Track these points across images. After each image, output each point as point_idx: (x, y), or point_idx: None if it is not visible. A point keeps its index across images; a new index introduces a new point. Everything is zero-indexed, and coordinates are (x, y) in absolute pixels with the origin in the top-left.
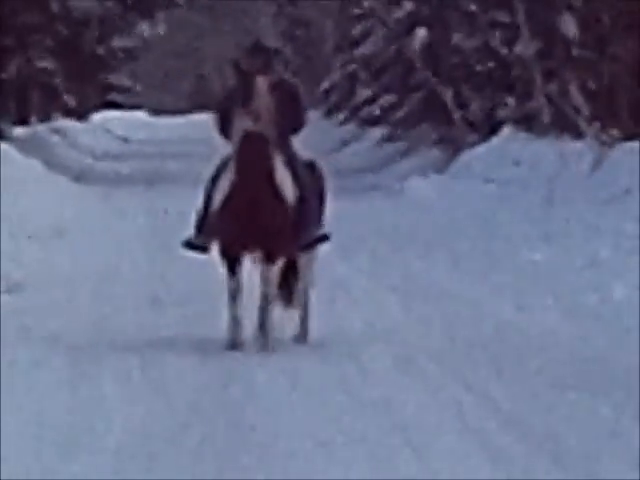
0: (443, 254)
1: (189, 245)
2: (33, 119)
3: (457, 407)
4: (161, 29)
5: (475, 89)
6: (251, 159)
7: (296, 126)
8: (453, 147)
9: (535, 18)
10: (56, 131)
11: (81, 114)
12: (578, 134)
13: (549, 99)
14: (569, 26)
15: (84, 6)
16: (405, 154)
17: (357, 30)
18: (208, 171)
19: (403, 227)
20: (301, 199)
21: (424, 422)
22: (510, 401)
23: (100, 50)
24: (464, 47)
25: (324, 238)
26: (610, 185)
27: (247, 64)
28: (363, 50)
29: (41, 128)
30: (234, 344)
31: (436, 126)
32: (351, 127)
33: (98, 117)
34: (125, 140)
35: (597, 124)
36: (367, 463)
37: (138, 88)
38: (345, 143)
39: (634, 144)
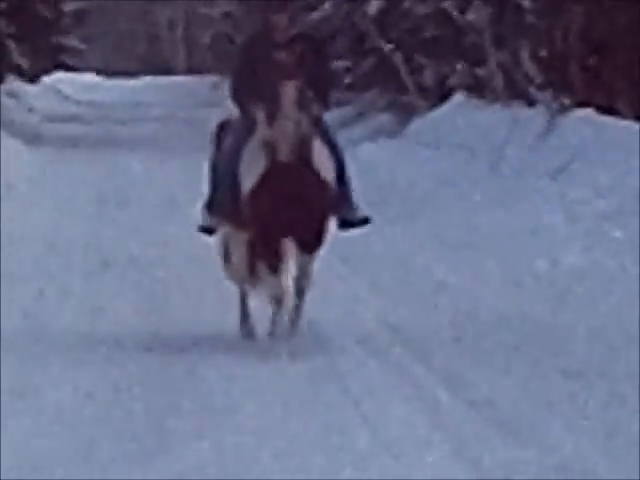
0: (393, 219)
1: (202, 229)
2: None
3: (405, 373)
4: None
5: (427, 55)
6: (285, 142)
7: (325, 89)
8: (404, 113)
9: None
10: (7, 93)
11: (33, 76)
12: (529, 101)
13: (501, 66)
14: None
15: None
16: (356, 119)
17: None
18: (160, 134)
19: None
20: (339, 177)
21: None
22: (456, 365)
23: (52, 12)
24: (416, 13)
25: (366, 221)
26: (560, 152)
27: (263, 9)
28: (315, 16)
29: None
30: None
31: (387, 92)
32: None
33: (49, 79)
34: (73, 101)
35: (548, 91)
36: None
37: (90, 50)
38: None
39: (585, 111)
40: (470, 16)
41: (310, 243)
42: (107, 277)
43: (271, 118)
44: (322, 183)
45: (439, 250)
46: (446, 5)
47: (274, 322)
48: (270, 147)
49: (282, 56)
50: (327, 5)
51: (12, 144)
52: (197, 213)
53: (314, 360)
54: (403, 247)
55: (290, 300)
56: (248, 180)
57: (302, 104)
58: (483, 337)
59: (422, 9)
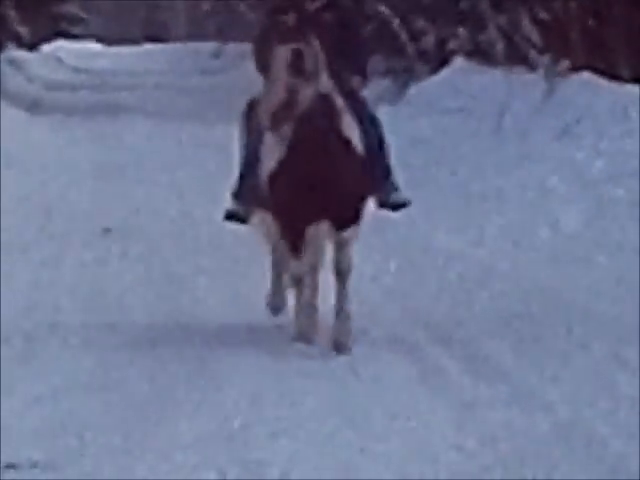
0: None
1: (230, 216)
2: None
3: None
4: None
5: (427, 20)
6: (310, 115)
7: (357, 61)
8: (405, 78)
9: None
10: (8, 61)
11: (33, 45)
12: (530, 66)
13: (501, 31)
14: None
15: None
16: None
17: None
18: (159, 102)
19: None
20: (371, 152)
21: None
22: (456, 328)
23: None
24: None
25: (407, 203)
26: (561, 116)
27: None
28: None
29: None
30: (307, 336)
31: (387, 57)
32: None
33: (50, 47)
34: (74, 69)
35: (549, 55)
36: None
37: (90, 18)
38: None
39: (585, 75)
40: None
41: (342, 221)
42: (106, 243)
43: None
44: (354, 158)
45: (441, 215)
46: None
47: (298, 305)
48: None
49: (289, 20)
50: None
51: (12, 112)
52: (190, 177)
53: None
54: (406, 212)
55: (311, 283)
56: (267, 163)
57: (299, 68)
58: (487, 300)
59: None
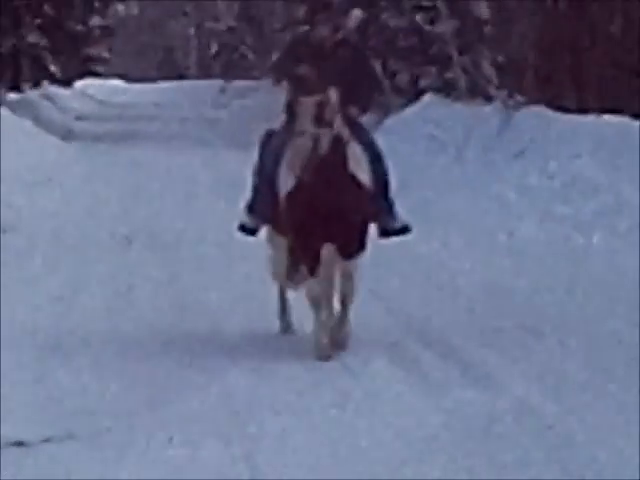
0: None
1: (242, 228)
2: (25, 86)
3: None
4: (133, 9)
5: (402, 61)
6: (306, 161)
7: (366, 94)
8: (383, 110)
9: (452, 1)
10: (44, 96)
11: (65, 82)
12: (488, 99)
13: (464, 70)
14: (481, 8)
15: None
16: None
17: (301, 10)
18: (173, 130)
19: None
20: (377, 184)
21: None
22: (430, 324)
23: (81, 27)
24: (393, 25)
25: (406, 230)
26: (515, 142)
27: (310, 21)
28: (305, 27)
29: (32, 93)
30: (325, 354)
31: None
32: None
33: (80, 84)
34: (101, 103)
35: (504, 91)
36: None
37: (114, 59)
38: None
39: (536, 107)
40: (438, 28)
41: (349, 249)
42: (130, 251)
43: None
44: (359, 190)
45: (417, 226)
46: (417, 18)
47: (317, 325)
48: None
49: (307, 70)
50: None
51: (48, 139)
52: (199, 193)
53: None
54: None
55: (327, 303)
56: (284, 187)
57: (321, 119)
58: (453, 296)
59: (397, 22)
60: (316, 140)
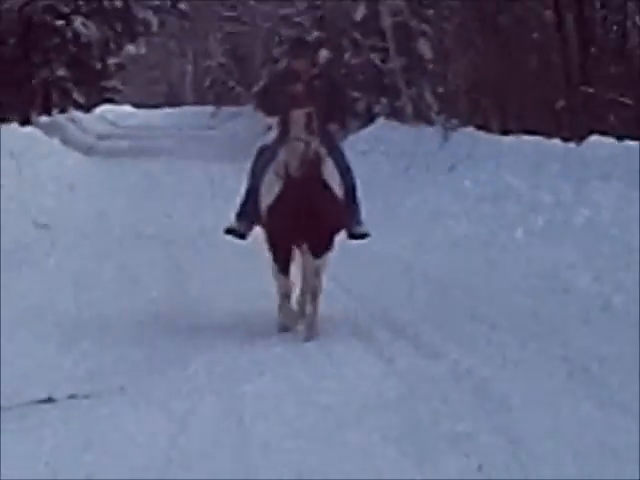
0: None
1: (229, 231)
2: (54, 111)
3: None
4: (142, 49)
5: (360, 91)
6: (300, 162)
7: (339, 116)
8: (343, 132)
9: (401, 43)
10: (70, 119)
11: (87, 107)
12: (430, 123)
13: (410, 99)
14: (424, 49)
15: (88, 33)
16: None
17: (278, 51)
18: (174, 147)
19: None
20: (347, 194)
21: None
22: (392, 307)
23: (99, 64)
24: (353, 63)
25: (367, 235)
26: (451, 157)
27: (291, 56)
28: (280, 65)
29: (59, 117)
30: (286, 328)
31: None
32: (272, 119)
33: (99, 109)
34: (116, 125)
35: (443, 116)
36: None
37: (127, 90)
38: (269, 128)
39: (468, 129)
40: (389, 65)
41: (319, 249)
42: (139, 245)
43: (284, 140)
44: (332, 196)
45: (369, 225)
46: (372, 57)
47: (285, 314)
48: (284, 165)
49: (296, 89)
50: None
51: (73, 155)
52: (196, 198)
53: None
54: None
55: (298, 297)
56: (266, 197)
57: (310, 128)
58: (406, 286)
59: (356, 60)
60: (307, 144)
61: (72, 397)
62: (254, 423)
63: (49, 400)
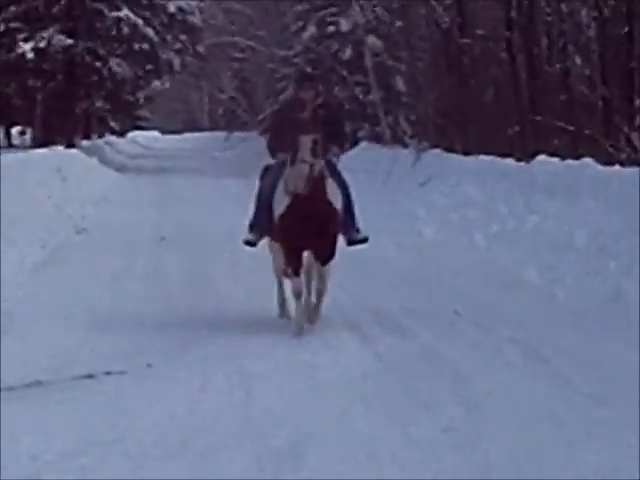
0: None
1: (246, 242)
2: (93, 136)
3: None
4: (166, 85)
5: (345, 119)
6: (305, 181)
7: (338, 142)
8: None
9: (380, 79)
10: (106, 142)
11: (121, 133)
12: (405, 145)
13: (388, 125)
14: (400, 83)
15: (122, 71)
16: None
17: (279, 86)
18: (193, 166)
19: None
20: (346, 207)
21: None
22: (369, 296)
23: (131, 97)
24: (340, 95)
25: (366, 240)
26: (422, 174)
27: (297, 87)
28: (282, 97)
29: (98, 141)
30: (301, 332)
31: None
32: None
33: (131, 135)
34: (144, 147)
35: (415, 139)
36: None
37: (154, 118)
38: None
39: (436, 151)
40: (370, 97)
41: (324, 257)
42: (163, 248)
43: (293, 162)
44: (333, 211)
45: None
46: (356, 90)
47: (297, 310)
48: (292, 183)
49: (303, 117)
50: (289, 90)
51: (108, 172)
52: (212, 208)
53: None
54: None
55: (306, 295)
56: (278, 209)
57: (315, 152)
58: (386, 280)
59: (343, 93)
60: (312, 166)
61: (108, 374)
62: (259, 395)
63: (89, 376)
